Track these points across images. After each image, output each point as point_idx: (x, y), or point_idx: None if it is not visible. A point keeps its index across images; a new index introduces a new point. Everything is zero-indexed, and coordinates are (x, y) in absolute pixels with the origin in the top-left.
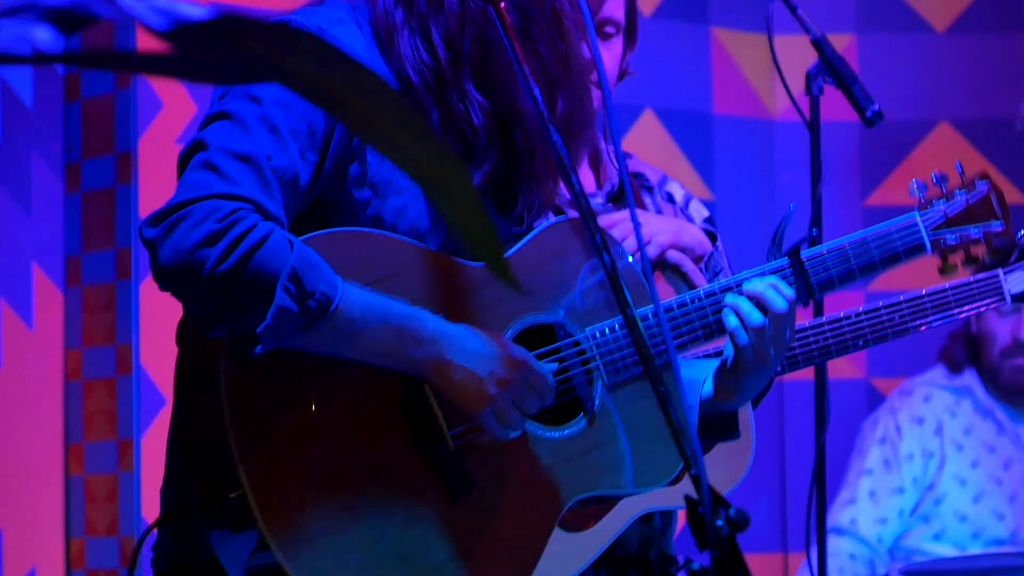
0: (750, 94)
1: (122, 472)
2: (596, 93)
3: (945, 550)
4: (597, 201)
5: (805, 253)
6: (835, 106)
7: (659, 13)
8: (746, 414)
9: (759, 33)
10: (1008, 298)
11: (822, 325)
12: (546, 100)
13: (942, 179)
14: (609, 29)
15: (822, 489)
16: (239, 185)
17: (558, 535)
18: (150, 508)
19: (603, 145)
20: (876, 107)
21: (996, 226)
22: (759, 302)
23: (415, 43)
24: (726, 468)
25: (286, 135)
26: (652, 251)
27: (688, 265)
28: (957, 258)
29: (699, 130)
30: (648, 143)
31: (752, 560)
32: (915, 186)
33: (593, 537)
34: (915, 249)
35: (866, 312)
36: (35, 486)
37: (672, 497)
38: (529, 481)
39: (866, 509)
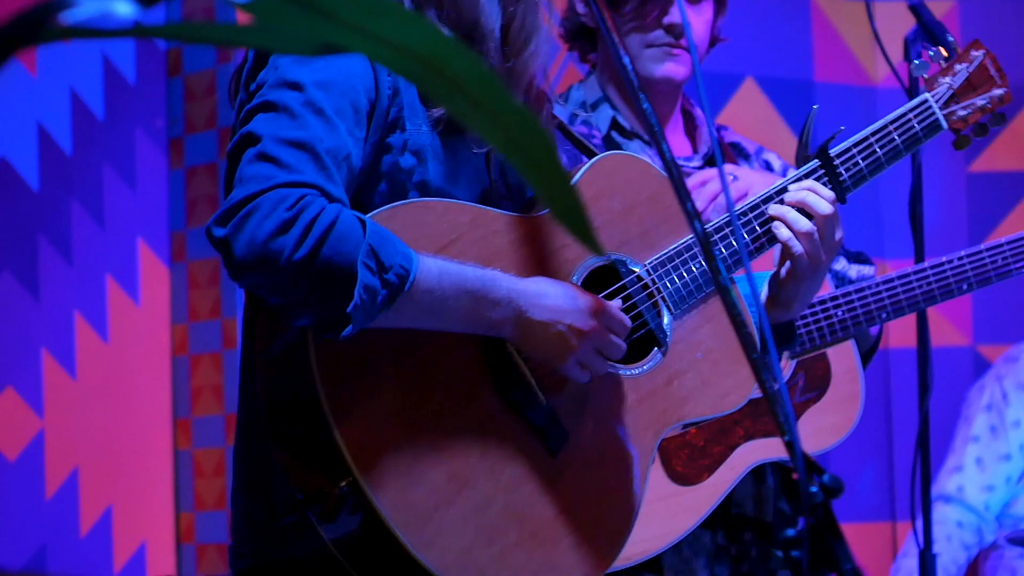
0: (851, 61)
1: (230, 446)
2: (687, 57)
3: None
4: (693, 165)
5: (833, 150)
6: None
7: None
8: (853, 361)
9: (859, 0)
10: None
11: (924, 270)
12: (502, 15)
13: (939, 55)
14: None
15: (926, 457)
16: (300, 172)
17: (673, 489)
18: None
19: (697, 111)
20: None
21: (998, 92)
22: (803, 208)
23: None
24: (837, 416)
25: (332, 116)
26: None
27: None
28: (969, 130)
29: (800, 98)
30: (749, 112)
31: (860, 529)
32: (917, 64)
33: (707, 490)
34: (932, 127)
35: (968, 255)
36: (144, 461)
37: (783, 449)
38: (619, 422)
39: (973, 476)
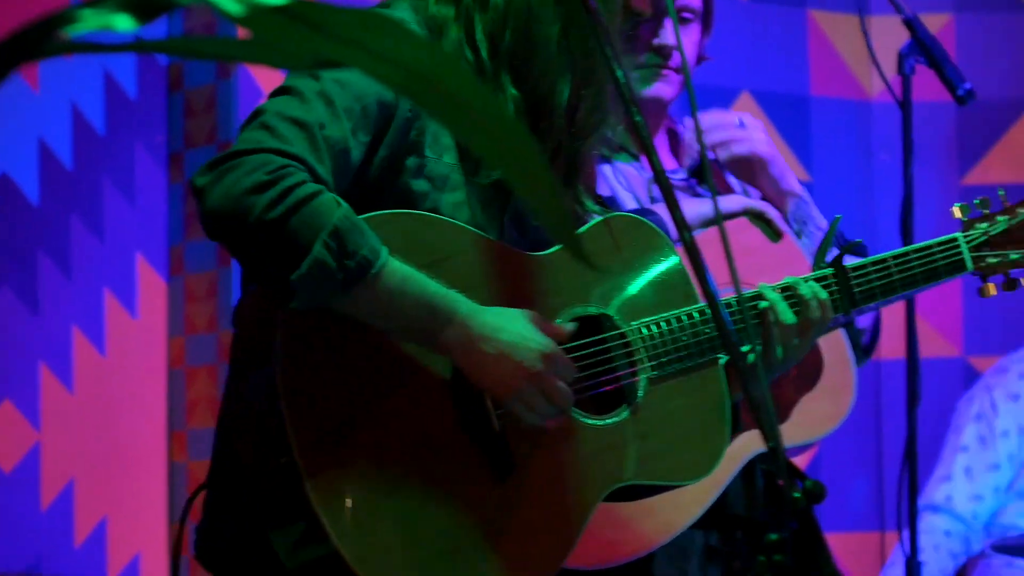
0: (847, 75)
1: None
2: (675, 78)
3: None
4: (678, 176)
5: (849, 264)
6: (931, 86)
7: None
8: (845, 351)
9: (855, 14)
10: None
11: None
12: (573, 96)
13: (984, 203)
14: (687, 15)
15: (913, 466)
16: (290, 144)
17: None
18: None
19: (680, 127)
20: (968, 86)
21: None
22: (797, 303)
23: (461, 37)
24: (831, 405)
25: (340, 111)
26: (734, 205)
27: (772, 212)
28: (997, 280)
29: (796, 112)
30: None
31: (848, 539)
32: (957, 209)
33: (708, 481)
34: (956, 266)
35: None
36: (139, 473)
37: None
38: (570, 466)
39: (961, 486)
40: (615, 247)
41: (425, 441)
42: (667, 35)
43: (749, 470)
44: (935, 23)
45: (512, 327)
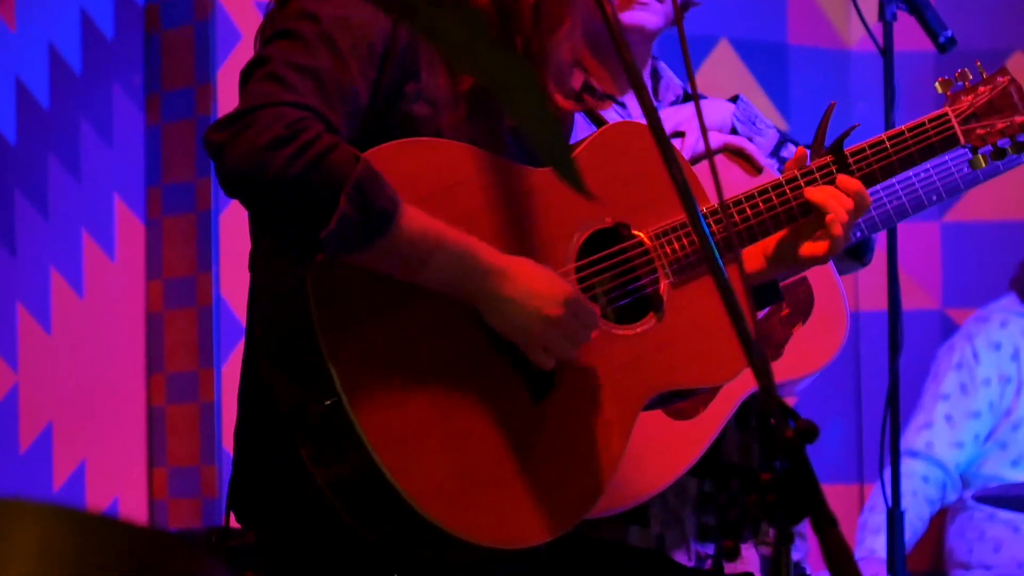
0: (825, 24)
1: (203, 402)
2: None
3: (1023, 476)
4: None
5: (848, 148)
6: (911, 35)
7: None
8: (834, 280)
9: None
10: None
11: (893, 185)
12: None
13: (963, 75)
14: None
15: (895, 414)
16: (303, 95)
17: (670, 424)
18: (232, 438)
19: (660, 64)
20: (949, 33)
21: (1020, 119)
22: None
23: None
24: (825, 337)
25: (346, 52)
26: (713, 142)
27: (746, 146)
28: (986, 150)
29: (774, 60)
30: (724, 73)
31: (828, 491)
32: (939, 84)
33: (705, 423)
34: (949, 140)
35: (934, 166)
36: (118, 416)
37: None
38: (607, 379)
39: (942, 433)
40: (623, 153)
41: (465, 366)
42: None
43: (743, 414)
44: None
45: (533, 272)
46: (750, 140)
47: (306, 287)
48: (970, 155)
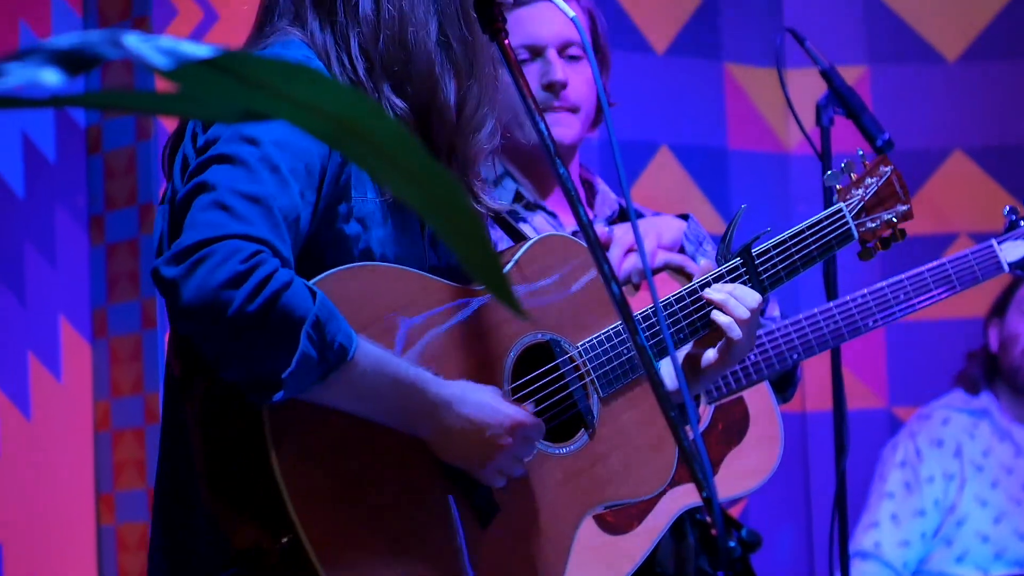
0: (764, 128)
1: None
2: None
3: (968, 572)
4: (600, 228)
5: (755, 250)
6: (849, 138)
7: (672, 50)
8: (770, 403)
9: (772, 68)
10: (1006, 267)
11: (830, 309)
12: (458, 91)
13: (849, 167)
14: (573, 51)
15: (843, 516)
16: (254, 225)
17: (605, 539)
18: None
19: (596, 179)
20: (886, 136)
21: (902, 208)
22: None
23: (340, 58)
24: (758, 459)
25: (287, 175)
26: (655, 260)
27: (689, 264)
28: (873, 244)
29: (715, 165)
30: (665, 179)
31: None
32: (830, 175)
33: (639, 537)
34: (844, 237)
35: (871, 292)
36: (67, 537)
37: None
38: (546, 499)
39: (889, 532)
40: (551, 267)
41: (419, 500)
42: (554, 71)
43: (679, 526)
44: (851, 75)
45: (479, 398)
46: (694, 260)
47: (262, 426)
48: (859, 248)
